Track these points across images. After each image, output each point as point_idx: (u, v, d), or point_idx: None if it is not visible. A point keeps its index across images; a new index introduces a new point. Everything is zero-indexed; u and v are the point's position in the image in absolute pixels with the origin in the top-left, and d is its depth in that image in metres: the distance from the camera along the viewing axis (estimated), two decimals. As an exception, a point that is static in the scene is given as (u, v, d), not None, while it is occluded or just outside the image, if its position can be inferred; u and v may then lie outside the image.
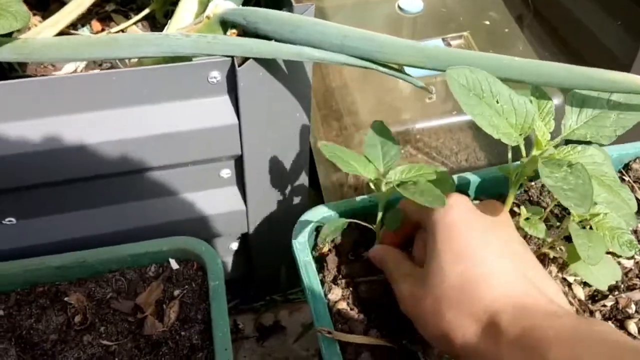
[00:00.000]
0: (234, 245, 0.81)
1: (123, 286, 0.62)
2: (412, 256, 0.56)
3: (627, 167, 0.75)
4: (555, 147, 0.51)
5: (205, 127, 0.62)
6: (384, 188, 0.58)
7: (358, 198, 0.69)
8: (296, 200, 0.83)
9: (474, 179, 0.71)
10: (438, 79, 0.88)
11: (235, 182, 0.72)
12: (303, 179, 0.83)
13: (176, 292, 0.62)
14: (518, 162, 0.52)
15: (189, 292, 0.62)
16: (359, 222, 0.62)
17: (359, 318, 0.58)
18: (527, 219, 0.56)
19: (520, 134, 0.50)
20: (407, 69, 0.88)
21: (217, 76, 0.59)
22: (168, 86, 0.59)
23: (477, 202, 0.56)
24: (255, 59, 0.59)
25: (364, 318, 0.59)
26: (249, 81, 0.60)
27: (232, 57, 0.58)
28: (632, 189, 0.72)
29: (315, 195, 1.03)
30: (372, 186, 0.59)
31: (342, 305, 0.60)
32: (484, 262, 0.46)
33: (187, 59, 0.59)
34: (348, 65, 0.57)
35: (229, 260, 0.83)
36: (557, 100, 0.86)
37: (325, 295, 0.61)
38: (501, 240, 0.49)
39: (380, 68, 0.57)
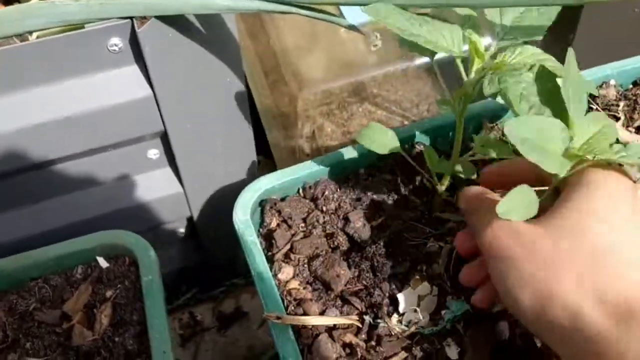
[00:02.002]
0: (181, 231, 0.74)
1: (47, 294, 0.55)
2: None
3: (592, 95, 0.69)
4: (493, 56, 0.44)
5: (116, 103, 0.54)
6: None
7: (303, 164, 0.62)
8: (244, 174, 0.76)
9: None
10: (381, 24, 0.80)
11: (167, 163, 0.65)
12: (248, 151, 0.76)
13: (108, 294, 0.55)
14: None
15: (122, 291, 0.55)
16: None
17: (313, 297, 0.52)
18: None
19: (459, 50, 0.45)
20: (347, 16, 0.81)
21: (117, 43, 0.51)
22: (63, 61, 0.51)
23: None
24: (160, 19, 0.51)
25: (319, 296, 0.52)
26: (156, 45, 0.52)
27: (132, 18, 0.50)
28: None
29: (272, 167, 0.97)
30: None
31: (294, 284, 0.53)
32: (633, 234, 0.38)
33: (80, 27, 0.51)
34: (265, 12, 0.50)
35: (179, 248, 0.76)
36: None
37: (275, 275, 0.54)
38: None
39: (302, 12, 0.50)
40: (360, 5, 0.49)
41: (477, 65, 0.45)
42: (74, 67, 0.52)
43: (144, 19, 0.51)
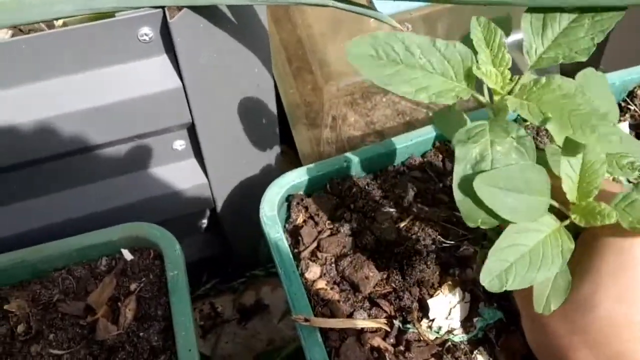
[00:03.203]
0: (204, 222, 0.73)
1: (71, 285, 0.55)
2: None
3: (631, 94, 0.66)
4: (519, 86, 0.39)
5: (144, 94, 0.53)
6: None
7: (331, 159, 0.61)
8: (268, 165, 0.75)
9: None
10: (413, 15, 0.79)
11: (192, 154, 0.64)
12: (272, 142, 0.75)
13: (133, 287, 0.54)
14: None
15: (146, 285, 0.54)
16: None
17: (341, 298, 0.51)
18: None
19: (467, 84, 0.39)
20: (378, 6, 0.79)
21: (148, 33, 0.50)
22: (92, 50, 0.50)
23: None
24: (191, 8, 0.50)
25: (347, 298, 0.51)
26: (188, 35, 0.50)
27: (164, 8, 0.49)
28: (638, 118, 0.64)
29: (294, 157, 0.95)
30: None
31: (321, 284, 0.52)
32: None
33: (111, 15, 0.50)
34: (301, 4, 0.48)
35: (200, 239, 0.75)
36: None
37: (302, 274, 0.53)
38: None
39: (339, 4, 0.48)
40: None
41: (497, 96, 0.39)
42: (103, 56, 0.51)
43: (175, 9, 0.49)
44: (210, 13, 0.52)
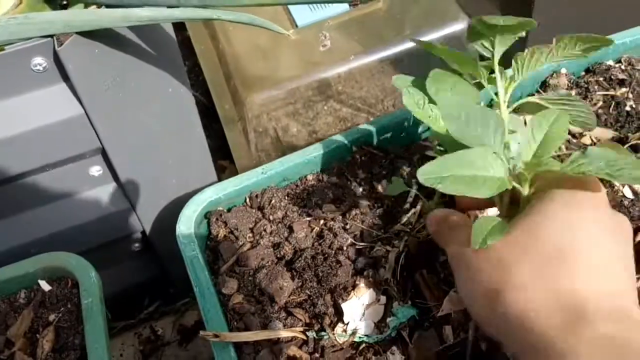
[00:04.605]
0: (137, 246, 0.73)
1: (-9, 321, 0.54)
2: None
3: (544, 84, 0.67)
4: None
5: (46, 123, 0.53)
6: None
7: (249, 172, 0.61)
8: (201, 183, 0.75)
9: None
10: (330, 23, 0.79)
11: (111, 179, 0.63)
12: (203, 159, 0.75)
13: (51, 317, 0.54)
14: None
15: (64, 314, 0.54)
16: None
17: (256, 310, 0.51)
18: None
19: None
20: (295, 16, 0.80)
21: (41, 62, 0.50)
22: (-15, 84, 0.50)
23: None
24: (83, 34, 0.50)
25: (262, 310, 0.51)
26: (81, 62, 0.51)
27: (53, 36, 0.49)
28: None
29: (236, 172, 0.95)
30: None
31: (238, 299, 0.52)
32: (596, 247, 0.37)
33: (1, 49, 0.50)
34: (187, 20, 0.49)
35: (137, 261, 0.75)
36: (462, 24, 0.78)
37: (220, 290, 0.53)
38: (611, 233, 0.39)
39: (225, 17, 0.48)
40: (283, 4, 0.48)
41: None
42: (-2, 89, 0.51)
43: (66, 36, 0.49)
44: (106, 36, 0.52)
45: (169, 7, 0.49)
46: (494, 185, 0.39)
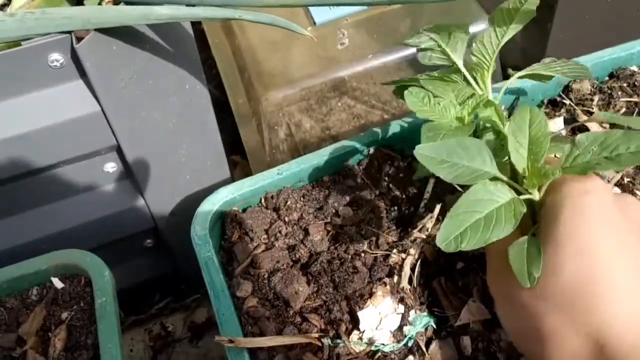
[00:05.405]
0: (149, 242, 0.72)
1: (3, 317, 0.54)
2: None
3: (567, 89, 0.66)
4: None
5: (62, 120, 0.52)
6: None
7: (264, 173, 0.60)
8: (213, 180, 0.74)
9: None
10: (349, 21, 0.78)
11: (125, 175, 0.63)
12: (216, 156, 0.74)
13: (64, 316, 0.53)
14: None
15: (77, 313, 0.53)
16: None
17: (271, 315, 0.50)
18: None
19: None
20: (314, 14, 0.79)
21: (58, 59, 0.49)
22: (2, 80, 0.49)
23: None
24: (102, 31, 0.49)
25: (277, 314, 0.51)
26: (99, 59, 0.50)
27: (71, 33, 0.48)
28: (573, 112, 0.64)
29: (248, 167, 0.95)
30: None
31: (253, 302, 0.52)
32: (613, 267, 0.35)
33: (18, 44, 0.49)
34: (207, 19, 0.48)
35: (149, 258, 0.75)
36: (483, 25, 0.76)
37: (234, 293, 0.52)
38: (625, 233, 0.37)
39: (245, 16, 0.47)
40: (307, 5, 0.47)
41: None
42: (14, 85, 0.50)
43: (84, 32, 0.49)
44: (124, 33, 0.51)
45: (188, 5, 0.48)
46: (510, 216, 0.39)
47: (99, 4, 0.55)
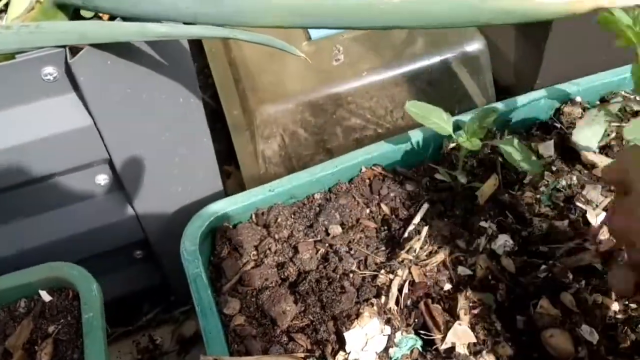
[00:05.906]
0: (139, 253, 0.72)
1: (-11, 329, 0.54)
2: None
3: (558, 112, 0.67)
4: None
5: (53, 133, 0.52)
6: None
7: (256, 189, 0.60)
8: (206, 192, 0.74)
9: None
10: (345, 37, 0.79)
11: (117, 187, 0.63)
12: (209, 168, 0.74)
13: (50, 329, 0.53)
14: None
15: (64, 327, 0.53)
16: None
17: (258, 334, 0.50)
18: None
19: None
20: (310, 30, 0.79)
21: (52, 72, 0.49)
22: (-5, 92, 0.49)
23: None
24: (97, 46, 0.49)
25: (264, 333, 0.51)
26: (93, 73, 0.50)
27: (65, 47, 0.48)
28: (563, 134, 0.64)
29: (242, 178, 0.95)
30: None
31: (240, 320, 0.52)
32: None
33: (11, 57, 0.49)
34: (204, 37, 0.48)
35: (138, 269, 0.74)
36: (478, 44, 0.77)
37: (221, 310, 0.52)
38: None
39: (241, 36, 0.47)
40: (302, 27, 0.47)
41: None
42: (7, 97, 0.50)
43: (79, 47, 0.49)
44: (119, 48, 0.51)
45: (185, 23, 0.48)
46: None
47: (97, 18, 0.55)
